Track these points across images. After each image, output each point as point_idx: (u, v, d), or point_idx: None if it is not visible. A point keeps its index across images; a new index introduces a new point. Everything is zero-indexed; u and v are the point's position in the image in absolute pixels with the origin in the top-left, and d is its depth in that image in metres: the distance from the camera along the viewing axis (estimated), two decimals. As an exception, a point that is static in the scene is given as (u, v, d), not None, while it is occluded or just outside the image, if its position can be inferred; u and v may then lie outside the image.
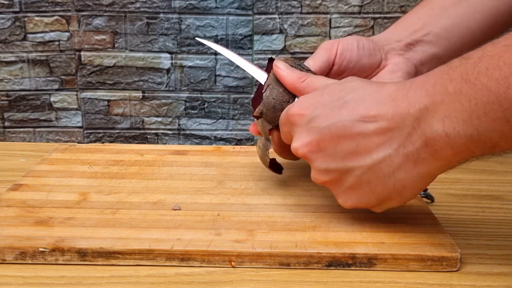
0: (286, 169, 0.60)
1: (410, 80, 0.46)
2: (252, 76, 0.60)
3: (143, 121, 0.92)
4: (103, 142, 0.92)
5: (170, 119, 0.92)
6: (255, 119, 0.58)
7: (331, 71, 0.59)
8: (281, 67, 0.55)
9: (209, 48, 0.89)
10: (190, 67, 0.90)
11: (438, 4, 0.62)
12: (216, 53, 0.89)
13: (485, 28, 0.61)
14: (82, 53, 0.89)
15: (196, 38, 0.68)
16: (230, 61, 0.61)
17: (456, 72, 0.42)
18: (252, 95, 0.61)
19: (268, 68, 0.58)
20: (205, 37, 0.88)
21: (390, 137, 0.45)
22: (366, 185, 0.47)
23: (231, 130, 0.92)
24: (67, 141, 0.92)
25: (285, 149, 0.56)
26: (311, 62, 0.58)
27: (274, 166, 0.58)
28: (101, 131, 0.92)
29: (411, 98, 0.44)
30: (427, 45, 0.61)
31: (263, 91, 0.56)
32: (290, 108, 0.51)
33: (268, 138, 0.57)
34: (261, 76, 0.58)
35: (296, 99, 0.54)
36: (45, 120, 0.91)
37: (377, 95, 0.47)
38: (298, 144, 0.49)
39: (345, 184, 0.48)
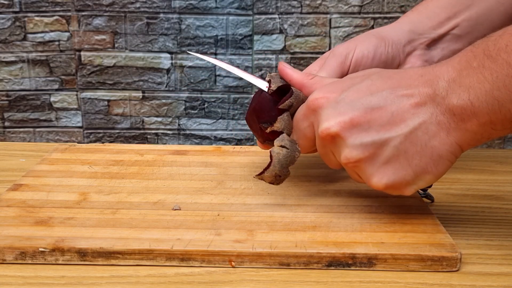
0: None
1: (435, 63, 0.48)
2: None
3: (143, 121, 0.92)
4: (103, 142, 0.92)
5: (170, 119, 0.92)
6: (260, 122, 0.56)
7: None
8: (287, 67, 0.55)
9: (209, 48, 0.89)
10: (190, 67, 0.90)
11: None
12: (216, 53, 0.89)
13: (505, 23, 0.60)
14: (82, 53, 0.89)
15: (189, 52, 0.68)
16: (229, 70, 0.60)
17: (479, 48, 0.44)
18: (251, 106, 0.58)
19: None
20: (205, 37, 0.88)
21: (424, 107, 0.46)
22: (403, 156, 0.47)
23: (231, 130, 0.92)
24: (67, 141, 0.92)
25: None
26: (324, 74, 0.57)
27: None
28: (101, 131, 0.92)
29: (438, 72, 0.46)
30: (450, 41, 0.60)
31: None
32: (312, 94, 0.50)
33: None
34: (261, 84, 0.57)
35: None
36: (45, 120, 0.91)
37: (402, 74, 0.48)
38: (330, 123, 0.48)
39: (381, 159, 0.47)
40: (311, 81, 0.54)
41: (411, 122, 0.46)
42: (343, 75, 0.57)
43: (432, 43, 0.60)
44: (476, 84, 0.43)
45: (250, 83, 0.90)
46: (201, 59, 0.88)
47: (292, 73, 0.55)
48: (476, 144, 0.46)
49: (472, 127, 0.45)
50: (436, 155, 0.46)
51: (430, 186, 0.53)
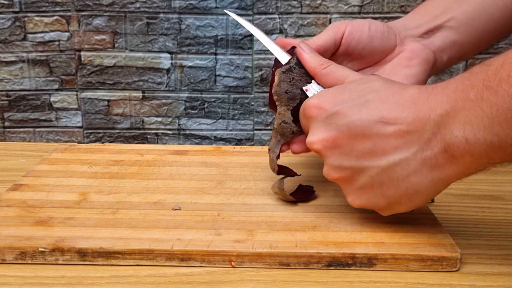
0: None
1: (432, 85, 0.46)
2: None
3: (143, 121, 0.92)
4: (103, 142, 0.92)
5: (170, 119, 0.92)
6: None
7: (337, 52, 0.57)
8: (305, 50, 0.54)
9: (209, 48, 0.89)
10: (190, 67, 0.90)
11: None
12: (216, 53, 0.89)
13: (507, 16, 0.60)
14: (82, 53, 0.89)
15: (225, 11, 0.66)
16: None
17: (477, 78, 0.41)
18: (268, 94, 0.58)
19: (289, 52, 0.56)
20: (205, 37, 0.88)
21: (408, 140, 0.45)
22: (377, 186, 0.47)
23: (231, 130, 0.92)
24: (67, 141, 0.92)
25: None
26: (315, 38, 0.56)
27: (284, 171, 0.56)
28: (101, 131, 0.92)
29: (432, 102, 0.44)
30: (448, 31, 0.59)
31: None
32: (309, 100, 0.50)
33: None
34: (283, 57, 0.55)
35: (313, 83, 0.53)
36: (45, 120, 0.91)
37: (398, 97, 0.46)
38: (314, 138, 0.48)
39: (356, 183, 0.47)
40: (323, 71, 0.53)
41: (391, 157, 0.45)
42: (336, 39, 0.56)
43: (428, 33, 0.59)
44: (473, 119, 0.41)
45: (250, 83, 0.90)
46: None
47: (307, 59, 0.53)
48: (467, 176, 0.45)
49: (465, 163, 0.43)
50: (412, 190, 0.46)
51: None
